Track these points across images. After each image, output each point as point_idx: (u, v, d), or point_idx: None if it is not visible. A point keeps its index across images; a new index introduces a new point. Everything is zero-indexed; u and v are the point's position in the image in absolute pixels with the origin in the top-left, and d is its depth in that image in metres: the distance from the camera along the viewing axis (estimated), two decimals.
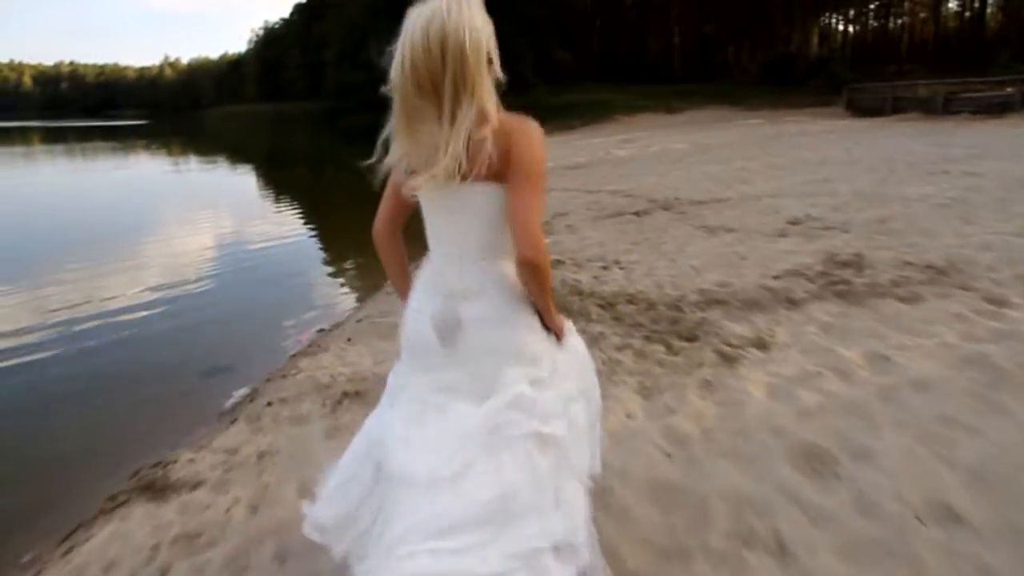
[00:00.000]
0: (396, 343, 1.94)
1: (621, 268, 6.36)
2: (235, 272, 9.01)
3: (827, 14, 59.77)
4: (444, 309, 1.73)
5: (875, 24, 61.12)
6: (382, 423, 1.86)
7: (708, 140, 19.56)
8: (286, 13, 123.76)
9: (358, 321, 5.86)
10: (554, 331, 1.83)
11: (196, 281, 8.38)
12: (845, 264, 5.77)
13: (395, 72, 1.58)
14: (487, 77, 1.60)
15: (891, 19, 60.16)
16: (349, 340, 5.23)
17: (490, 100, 1.60)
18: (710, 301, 5.10)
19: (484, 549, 1.53)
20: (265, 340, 5.94)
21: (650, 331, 4.58)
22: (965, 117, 22.58)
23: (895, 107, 26.78)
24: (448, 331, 1.72)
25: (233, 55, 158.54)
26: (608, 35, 53.90)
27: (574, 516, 1.67)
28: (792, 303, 4.88)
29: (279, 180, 23.20)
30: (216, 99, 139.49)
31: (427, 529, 1.56)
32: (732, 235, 7.35)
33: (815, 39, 58.11)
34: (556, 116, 32.91)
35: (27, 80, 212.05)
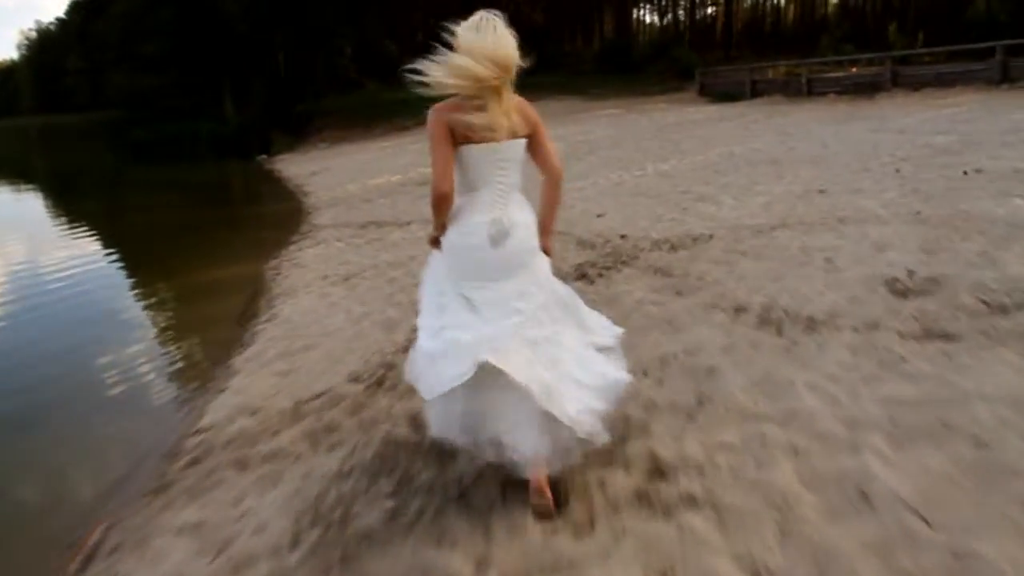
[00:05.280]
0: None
1: (702, 516, 2.41)
2: None
3: (641, 4, 59.16)
4: (498, 222, 2.49)
5: (682, 14, 61.31)
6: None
7: (584, 136, 16.07)
8: (62, 12, 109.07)
9: None
10: (549, 238, 2.79)
11: None
12: None
13: (464, 69, 2.33)
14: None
15: (699, 9, 60.81)
16: None
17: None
18: None
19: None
20: None
21: None
22: (831, 99, 20.90)
23: (755, 91, 24.99)
24: (501, 237, 2.49)
25: (4, 62, 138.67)
26: (433, 26, 49.68)
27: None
28: None
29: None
30: None
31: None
32: (831, 339, 3.63)
33: (632, 28, 57.05)
34: (387, 115, 28.30)
35: None
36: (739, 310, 4.22)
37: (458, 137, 2.43)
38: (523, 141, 2.53)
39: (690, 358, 3.62)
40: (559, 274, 5.63)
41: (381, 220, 8.99)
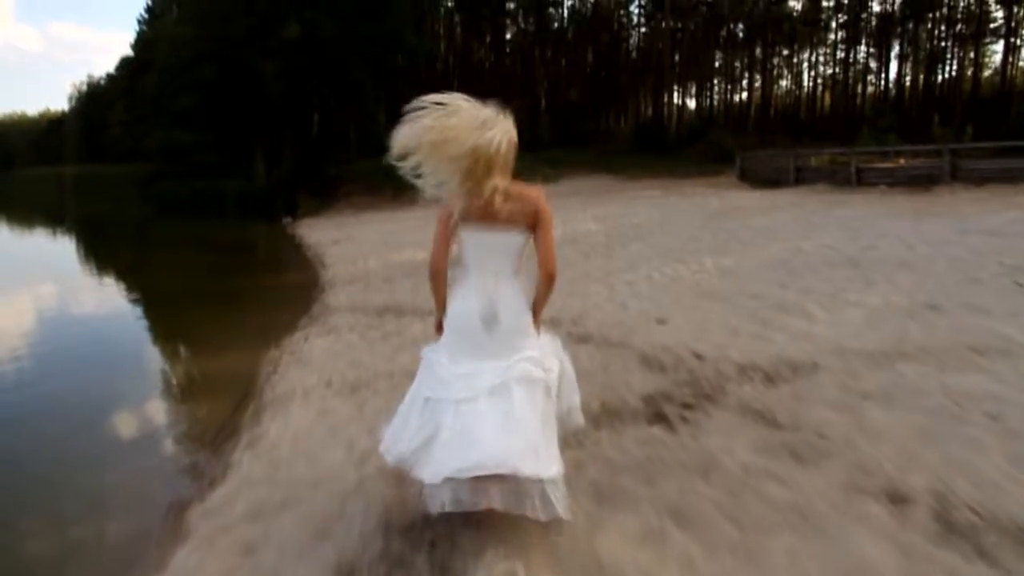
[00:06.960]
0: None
1: None
2: None
3: (675, 87, 59.11)
4: (488, 305, 2.69)
5: (717, 98, 61.07)
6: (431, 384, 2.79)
7: (626, 219, 15.06)
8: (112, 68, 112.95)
9: None
10: (538, 323, 2.86)
11: None
12: None
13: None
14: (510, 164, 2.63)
15: (733, 94, 60.71)
16: None
17: (508, 177, 2.64)
18: None
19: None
20: None
21: None
22: (883, 190, 19.75)
23: (798, 177, 24.06)
24: (491, 319, 2.69)
25: (56, 112, 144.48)
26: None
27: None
28: None
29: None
30: (31, 159, 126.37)
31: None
32: None
33: (667, 110, 56.98)
34: (416, 185, 27.74)
35: None
36: (898, 500, 2.95)
37: (452, 221, 2.72)
38: (517, 233, 2.71)
39: None
40: (624, 405, 4.45)
41: (401, 307, 7.85)
